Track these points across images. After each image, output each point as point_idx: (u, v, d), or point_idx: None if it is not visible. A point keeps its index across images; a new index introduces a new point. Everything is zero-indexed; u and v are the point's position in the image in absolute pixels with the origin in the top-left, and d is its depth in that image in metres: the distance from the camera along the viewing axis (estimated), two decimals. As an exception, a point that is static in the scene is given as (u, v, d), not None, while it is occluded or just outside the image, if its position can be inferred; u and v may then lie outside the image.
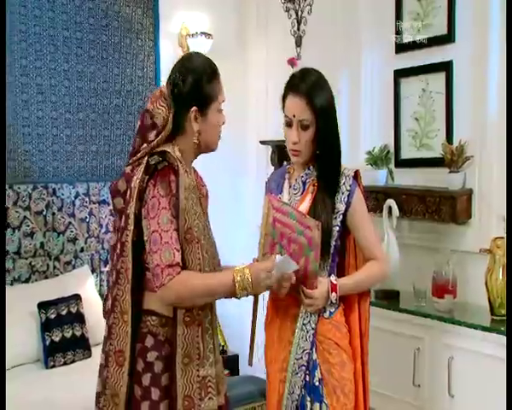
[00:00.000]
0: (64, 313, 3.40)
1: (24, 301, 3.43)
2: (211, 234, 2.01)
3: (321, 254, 2.05)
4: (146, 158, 1.86)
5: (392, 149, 3.69)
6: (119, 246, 1.85)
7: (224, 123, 2.02)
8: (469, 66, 3.26)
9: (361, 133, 3.88)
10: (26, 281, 3.61)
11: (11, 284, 3.56)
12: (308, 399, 2.08)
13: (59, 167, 3.80)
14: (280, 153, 4.40)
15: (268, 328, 2.22)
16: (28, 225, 3.61)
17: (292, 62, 4.23)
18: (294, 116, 2.10)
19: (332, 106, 2.13)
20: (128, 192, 1.85)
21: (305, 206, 2.10)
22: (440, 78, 3.40)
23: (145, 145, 1.88)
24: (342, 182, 2.12)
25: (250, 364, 2.10)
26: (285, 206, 2.08)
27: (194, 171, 2.05)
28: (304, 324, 2.10)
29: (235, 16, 4.61)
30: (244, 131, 4.63)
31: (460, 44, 3.32)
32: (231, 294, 1.86)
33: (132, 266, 1.83)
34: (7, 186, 3.52)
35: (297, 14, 4.32)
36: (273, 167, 4.23)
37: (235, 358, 4.16)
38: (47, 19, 3.72)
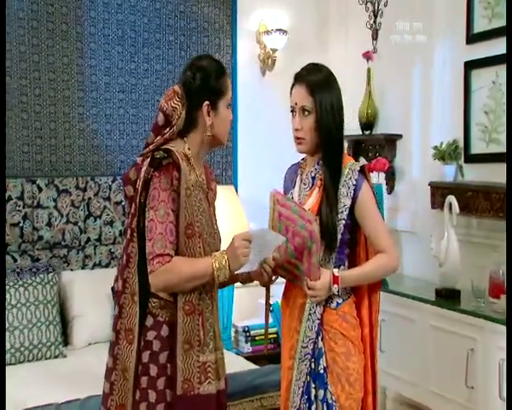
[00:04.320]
0: (134, 296, 3.64)
1: (102, 285, 3.70)
2: (216, 227, 2.12)
3: (328, 247, 2.10)
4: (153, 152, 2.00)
5: (461, 144, 3.59)
6: (128, 231, 2.01)
7: (232, 119, 2.12)
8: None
9: (432, 128, 3.80)
10: (106, 266, 3.90)
11: (92, 269, 3.86)
12: (313, 386, 2.14)
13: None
14: (356, 148, 4.41)
15: (282, 318, 2.30)
16: (108, 215, 3.89)
17: (367, 56, 4.21)
18: (297, 104, 2.19)
19: (332, 97, 2.17)
20: (138, 181, 2.00)
21: (311, 200, 2.16)
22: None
23: (158, 138, 2.01)
24: (349, 177, 2.14)
25: (265, 352, 2.19)
26: (288, 201, 2.16)
27: (205, 166, 2.16)
28: (310, 313, 2.15)
29: (314, 12, 4.62)
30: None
31: (530, 33, 3.16)
32: (212, 275, 1.94)
33: (139, 250, 1.97)
34: (88, 178, 3.83)
35: (374, 7, 4.28)
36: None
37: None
38: (128, 22, 3.99)
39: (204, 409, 1.99)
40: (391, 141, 4.09)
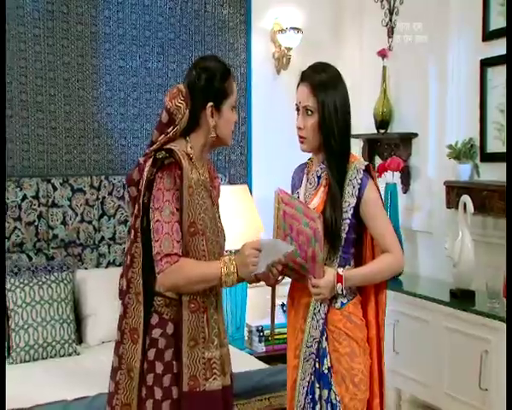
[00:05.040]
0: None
1: (116, 284, 3.65)
2: (219, 225, 2.11)
3: (332, 247, 2.09)
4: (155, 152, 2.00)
5: (477, 143, 3.54)
6: (132, 232, 2.01)
7: (235, 121, 2.11)
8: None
9: (448, 126, 3.76)
10: (120, 265, 3.90)
11: (106, 267, 3.89)
12: (317, 385, 2.13)
13: (151, 160, 4.07)
14: (371, 147, 4.37)
15: (287, 317, 2.30)
16: (122, 213, 3.90)
17: (383, 54, 4.17)
18: (300, 103, 2.18)
19: (336, 97, 2.14)
20: (141, 182, 2.00)
21: (317, 200, 2.15)
22: (526, 66, 3.20)
23: (162, 136, 2.01)
24: (354, 176, 2.13)
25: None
26: (293, 199, 2.15)
27: (208, 163, 2.16)
28: (314, 313, 2.14)
29: (329, 10, 4.59)
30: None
31: (547, 30, 3.11)
32: (220, 281, 1.96)
33: (143, 251, 1.98)
34: (103, 177, 3.85)
35: (389, 4, 4.24)
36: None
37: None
38: (143, 22, 4.00)
39: (210, 405, 2.01)
40: (406, 140, 4.05)
